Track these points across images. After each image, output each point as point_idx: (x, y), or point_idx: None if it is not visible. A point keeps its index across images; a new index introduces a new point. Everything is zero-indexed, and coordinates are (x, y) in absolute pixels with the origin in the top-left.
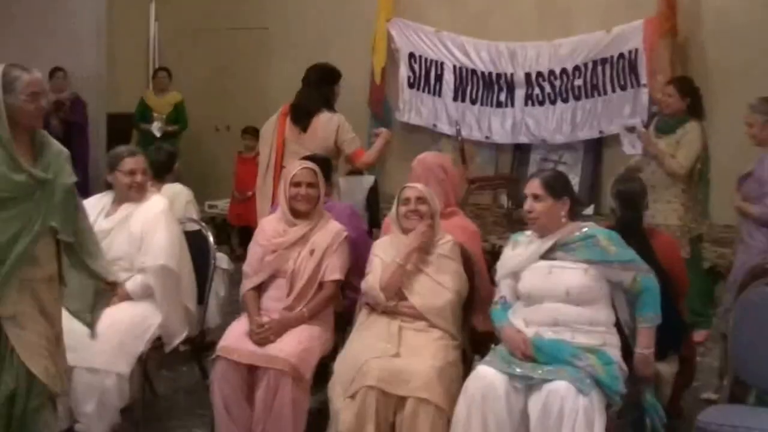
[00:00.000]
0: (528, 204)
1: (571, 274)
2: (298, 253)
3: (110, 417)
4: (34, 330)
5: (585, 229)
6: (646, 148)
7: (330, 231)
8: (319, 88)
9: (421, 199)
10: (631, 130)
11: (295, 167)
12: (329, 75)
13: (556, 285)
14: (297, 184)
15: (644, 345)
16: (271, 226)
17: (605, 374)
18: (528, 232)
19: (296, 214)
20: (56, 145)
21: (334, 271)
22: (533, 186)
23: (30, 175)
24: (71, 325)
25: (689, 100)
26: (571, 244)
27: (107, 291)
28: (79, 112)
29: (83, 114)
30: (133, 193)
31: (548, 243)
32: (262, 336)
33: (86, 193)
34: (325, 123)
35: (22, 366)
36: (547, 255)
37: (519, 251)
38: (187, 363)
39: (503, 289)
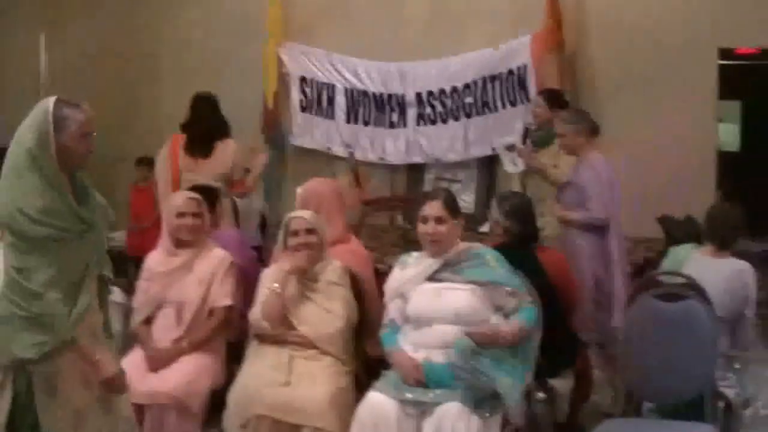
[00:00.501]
0: (431, 227)
1: (459, 295)
2: (183, 281)
3: None
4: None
5: (474, 249)
6: (528, 163)
7: (214, 258)
8: (215, 113)
9: (309, 231)
10: (510, 148)
11: (179, 198)
12: (216, 101)
13: (445, 307)
14: (181, 215)
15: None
16: (154, 259)
17: (501, 385)
18: (416, 253)
19: (180, 243)
20: (93, 189)
21: (224, 297)
22: (435, 208)
23: (80, 216)
24: None
25: (558, 111)
26: (459, 265)
27: None
28: None
29: None
30: None
31: (436, 264)
32: (157, 364)
33: None
34: (224, 149)
35: None
36: (434, 276)
37: (408, 273)
38: None
39: (392, 311)
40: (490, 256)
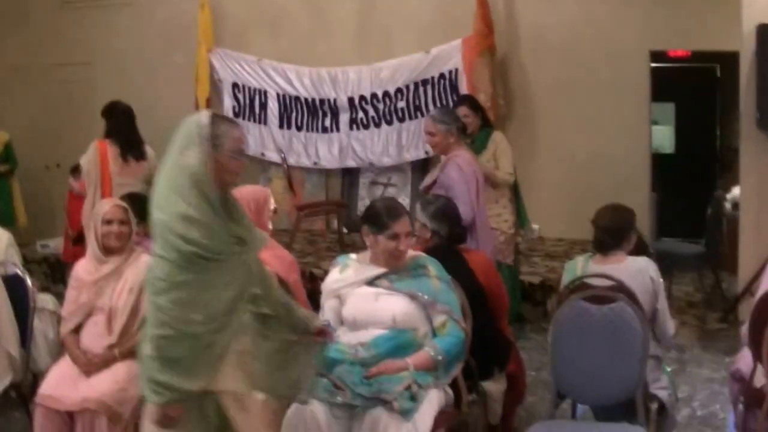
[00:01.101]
0: (404, 244)
1: (397, 300)
2: (113, 288)
3: None
4: (257, 416)
5: (418, 259)
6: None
7: (143, 264)
8: (134, 121)
9: None
10: None
11: (106, 205)
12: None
13: (383, 311)
14: (109, 222)
15: (413, 360)
16: (83, 267)
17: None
18: (354, 256)
19: (108, 251)
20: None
21: None
22: (405, 225)
23: (233, 234)
24: None
25: (481, 114)
26: (400, 273)
27: (317, 342)
28: None
29: None
30: None
31: (379, 270)
32: (92, 365)
33: None
34: (151, 154)
35: None
36: (373, 281)
37: (346, 275)
38: (18, 408)
39: (327, 312)
40: (432, 267)
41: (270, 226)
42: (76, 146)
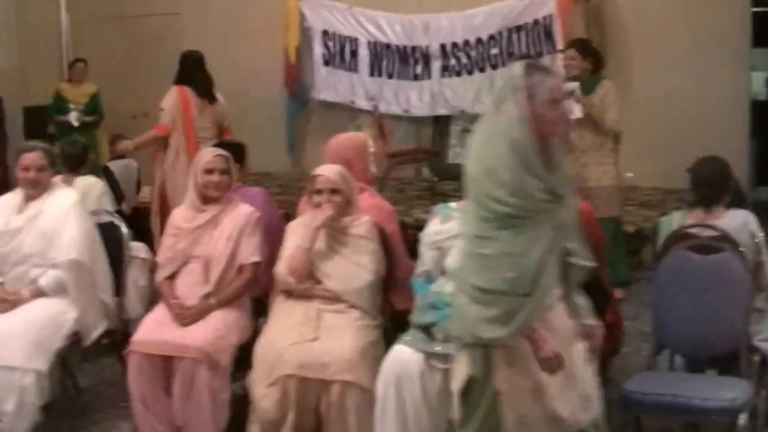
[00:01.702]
0: None
1: None
2: (210, 237)
3: (30, 415)
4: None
5: None
6: (588, 110)
7: (241, 213)
8: (205, 67)
9: (335, 191)
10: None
11: (207, 154)
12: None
13: None
14: (209, 171)
15: None
16: (180, 215)
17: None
18: (454, 205)
19: (206, 200)
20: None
21: (252, 253)
22: None
23: (549, 190)
24: None
25: (591, 59)
26: None
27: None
28: None
29: (0, 109)
30: (28, 189)
31: None
32: (186, 319)
33: (8, 189)
34: (221, 99)
35: None
36: None
37: (449, 226)
38: (109, 355)
39: (427, 262)
40: None
41: (374, 169)
42: (162, 95)
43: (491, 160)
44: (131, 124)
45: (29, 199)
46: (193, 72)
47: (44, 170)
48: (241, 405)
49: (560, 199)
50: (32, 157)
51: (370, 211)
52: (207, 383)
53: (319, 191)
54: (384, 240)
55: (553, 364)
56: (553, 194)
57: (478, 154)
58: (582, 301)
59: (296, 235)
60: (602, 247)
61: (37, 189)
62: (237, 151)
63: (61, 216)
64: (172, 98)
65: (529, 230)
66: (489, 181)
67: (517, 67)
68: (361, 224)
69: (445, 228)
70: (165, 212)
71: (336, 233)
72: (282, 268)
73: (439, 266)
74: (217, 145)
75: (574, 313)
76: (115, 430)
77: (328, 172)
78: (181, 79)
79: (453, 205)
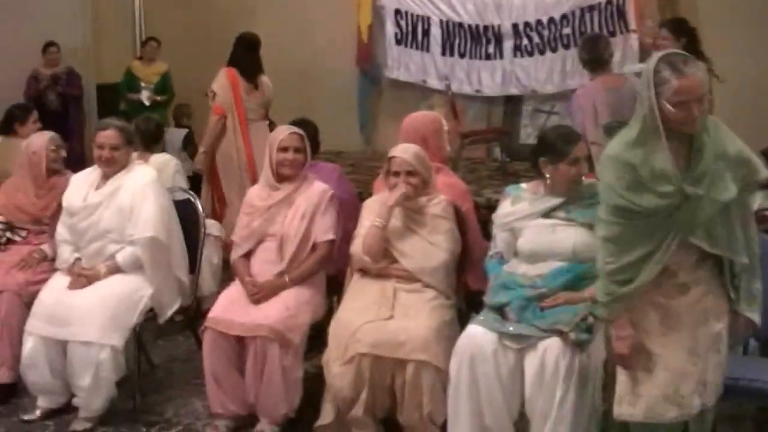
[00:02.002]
0: (578, 168)
1: (576, 231)
2: (285, 215)
3: (107, 390)
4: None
5: (594, 187)
6: None
7: (315, 191)
8: (257, 53)
9: (411, 173)
10: (639, 75)
11: (282, 132)
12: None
13: (562, 242)
14: (284, 149)
15: (590, 293)
16: (255, 193)
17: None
18: (524, 186)
19: (280, 178)
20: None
21: (326, 231)
22: (583, 148)
23: (679, 189)
24: (62, 299)
25: (684, 41)
26: (576, 203)
27: None
28: (74, 85)
29: (79, 87)
30: (103, 167)
31: (555, 201)
32: (260, 295)
33: (85, 165)
34: (267, 83)
35: None
36: (548, 212)
37: (522, 207)
38: (182, 332)
39: (500, 244)
40: None
41: (449, 148)
42: None
43: (621, 153)
44: (202, 103)
45: (107, 175)
46: (245, 54)
47: (118, 149)
48: (314, 383)
49: (690, 198)
50: (106, 135)
51: (445, 189)
52: (279, 362)
53: (396, 173)
54: (459, 219)
55: (619, 361)
56: (684, 195)
57: (613, 143)
58: (754, 290)
59: (372, 214)
60: None
61: (111, 167)
62: (310, 130)
63: (139, 193)
64: (223, 80)
65: (644, 224)
66: (614, 174)
67: (652, 60)
68: (437, 203)
69: (516, 209)
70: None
71: (412, 212)
72: (358, 247)
73: (511, 247)
74: (292, 123)
75: (731, 297)
76: (188, 406)
77: (404, 153)
78: (232, 61)
79: (524, 186)
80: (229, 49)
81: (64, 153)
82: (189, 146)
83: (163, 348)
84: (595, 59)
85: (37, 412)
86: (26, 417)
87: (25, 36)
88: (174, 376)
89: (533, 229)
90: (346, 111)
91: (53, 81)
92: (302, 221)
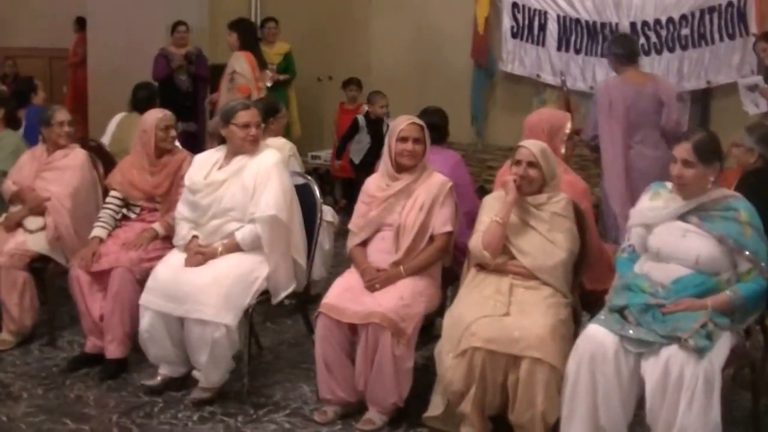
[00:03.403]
0: (677, 169)
1: (704, 241)
2: (403, 206)
3: (224, 365)
4: None
5: (729, 200)
6: None
7: (435, 183)
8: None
9: (532, 164)
10: (752, 88)
11: (402, 122)
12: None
13: (688, 250)
14: (404, 140)
15: (712, 301)
16: (374, 183)
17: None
18: (669, 185)
19: (399, 168)
20: None
21: (444, 223)
22: (684, 150)
23: None
24: (178, 276)
25: None
26: (710, 212)
27: None
28: (203, 65)
29: (207, 68)
30: (248, 146)
31: (690, 205)
32: (375, 283)
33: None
34: None
35: None
36: (684, 216)
37: (658, 204)
38: (291, 316)
39: (633, 237)
40: (744, 211)
41: (563, 151)
42: (348, 60)
43: None
44: (316, 86)
45: (233, 154)
46: (253, 39)
47: (260, 127)
48: (423, 374)
49: None
50: (252, 114)
51: (564, 187)
52: (391, 350)
53: (518, 162)
54: (578, 217)
55: None
56: None
57: None
58: None
59: (491, 210)
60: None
61: (255, 145)
62: (439, 118)
63: (264, 173)
64: (244, 63)
65: None
66: None
67: None
68: (558, 201)
69: (654, 205)
70: None
71: (532, 209)
72: (477, 241)
73: (644, 243)
74: (422, 111)
75: None
76: (296, 390)
77: (531, 145)
78: (246, 45)
79: (668, 184)
80: (345, 36)
81: (173, 133)
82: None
83: (271, 331)
84: (630, 54)
85: (158, 379)
86: (148, 383)
87: (149, 16)
88: (282, 359)
89: (665, 229)
90: (459, 103)
91: (187, 60)
92: (420, 212)
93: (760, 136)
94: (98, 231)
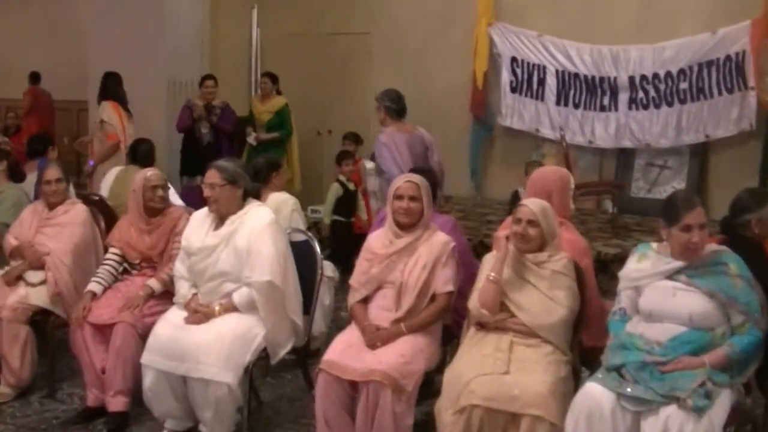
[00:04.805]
0: (697, 236)
1: (695, 298)
2: (405, 263)
3: (229, 420)
4: None
5: (719, 255)
6: None
7: (437, 242)
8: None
9: (532, 222)
10: None
11: (399, 180)
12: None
13: (680, 308)
14: (399, 198)
15: (709, 358)
16: (377, 240)
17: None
18: (654, 245)
19: (401, 226)
20: None
21: (447, 283)
22: (699, 216)
23: None
24: (179, 334)
25: None
26: (699, 269)
27: None
28: (227, 119)
29: (231, 122)
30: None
31: (677, 264)
32: (377, 339)
33: None
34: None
35: None
36: (672, 275)
37: (644, 266)
38: (291, 371)
39: (623, 300)
40: (733, 265)
41: (572, 206)
42: (348, 114)
43: None
44: (316, 140)
45: (223, 216)
46: (117, 88)
47: (214, 188)
48: (421, 430)
49: None
50: (208, 175)
51: (565, 245)
52: (391, 408)
53: (518, 220)
54: (578, 275)
55: None
56: None
57: None
58: None
59: (488, 267)
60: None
61: (218, 206)
62: (429, 179)
63: (257, 235)
64: (111, 112)
65: None
66: None
67: None
68: (559, 260)
69: (641, 267)
70: None
71: (533, 267)
72: (475, 301)
73: (634, 305)
74: (412, 171)
75: None
76: None
77: (532, 204)
78: (108, 95)
79: (654, 245)
80: (345, 90)
81: (160, 193)
82: None
83: (271, 385)
84: (401, 109)
85: None
86: None
87: (149, 71)
88: (282, 414)
89: (654, 290)
90: (457, 156)
91: (207, 111)
92: (423, 271)
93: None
94: (93, 286)
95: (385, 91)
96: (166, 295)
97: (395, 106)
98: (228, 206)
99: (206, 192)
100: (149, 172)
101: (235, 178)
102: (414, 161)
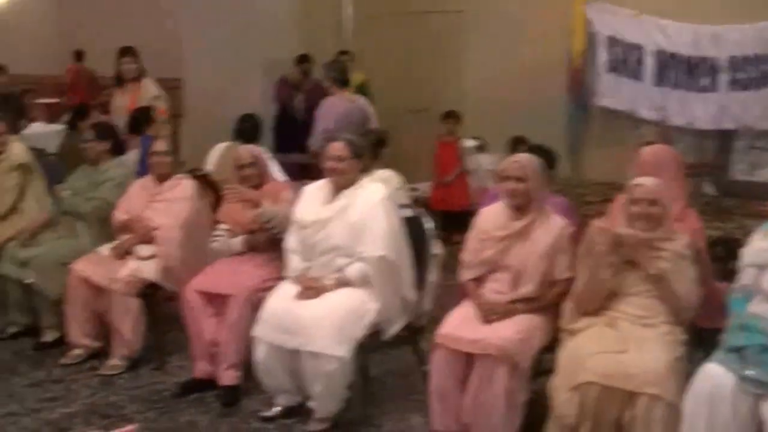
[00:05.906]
0: None
1: None
2: (521, 247)
3: (339, 395)
4: None
5: None
6: None
7: (554, 227)
8: None
9: (653, 202)
10: None
11: (506, 161)
12: None
13: None
14: (505, 178)
15: None
16: (490, 221)
17: None
18: None
19: (515, 207)
20: None
21: (566, 269)
22: None
23: None
24: (291, 308)
25: None
26: None
27: None
28: (319, 95)
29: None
30: (332, 178)
31: None
32: (493, 314)
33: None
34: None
35: None
36: None
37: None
38: (398, 347)
39: (746, 277)
40: None
41: (683, 194)
42: (442, 93)
43: None
44: (409, 119)
45: (338, 189)
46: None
47: (343, 160)
48: (531, 409)
49: None
50: (336, 147)
51: (680, 226)
52: (504, 383)
53: (635, 201)
54: (699, 258)
55: None
56: None
57: None
58: None
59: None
60: None
61: (341, 178)
62: (544, 158)
63: (370, 210)
64: (158, 87)
65: None
66: None
67: None
68: (678, 240)
69: (765, 245)
70: None
71: (652, 248)
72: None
73: (758, 283)
74: (529, 150)
75: None
76: (405, 421)
77: (650, 183)
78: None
79: None
80: (437, 68)
81: (247, 171)
82: None
83: (378, 361)
84: (344, 80)
85: (277, 410)
86: (266, 414)
87: (247, 50)
88: (390, 390)
89: None
90: (554, 137)
91: (296, 87)
92: (542, 260)
93: None
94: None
95: (332, 62)
96: (278, 270)
97: (340, 76)
98: (349, 179)
99: (331, 164)
100: (240, 150)
101: (360, 153)
102: (348, 128)
